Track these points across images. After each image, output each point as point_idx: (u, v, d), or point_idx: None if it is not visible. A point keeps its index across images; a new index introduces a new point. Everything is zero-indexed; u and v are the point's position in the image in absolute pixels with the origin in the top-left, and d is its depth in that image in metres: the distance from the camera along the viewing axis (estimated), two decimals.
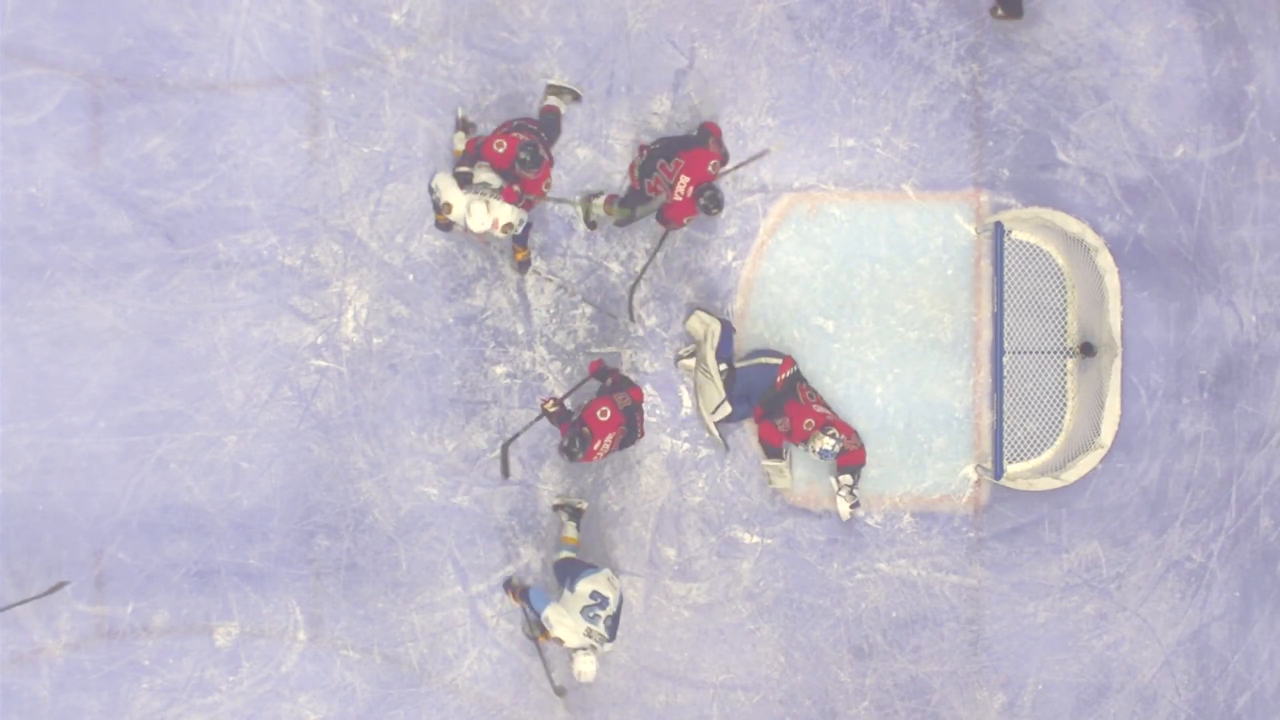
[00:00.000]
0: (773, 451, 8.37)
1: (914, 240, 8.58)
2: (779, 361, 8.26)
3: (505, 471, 8.19)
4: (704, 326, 8.23)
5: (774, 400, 8.24)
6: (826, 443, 8.06)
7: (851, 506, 8.36)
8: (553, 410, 7.77)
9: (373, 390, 8.35)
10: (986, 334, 8.56)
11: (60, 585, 8.10)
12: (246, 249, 8.30)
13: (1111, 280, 8.49)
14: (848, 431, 8.24)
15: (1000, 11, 8.47)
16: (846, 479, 8.32)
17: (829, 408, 8.27)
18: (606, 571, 7.78)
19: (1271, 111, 8.66)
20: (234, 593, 8.28)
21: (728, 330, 8.21)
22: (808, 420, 8.15)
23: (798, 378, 8.29)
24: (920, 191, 8.55)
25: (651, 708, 8.46)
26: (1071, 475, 8.51)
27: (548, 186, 7.81)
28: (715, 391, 8.14)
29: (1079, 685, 8.59)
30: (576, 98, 8.27)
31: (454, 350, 8.41)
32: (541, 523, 8.43)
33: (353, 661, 8.33)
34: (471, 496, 8.40)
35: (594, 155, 8.42)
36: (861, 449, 8.32)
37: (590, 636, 7.55)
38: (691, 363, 8.34)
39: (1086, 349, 8.55)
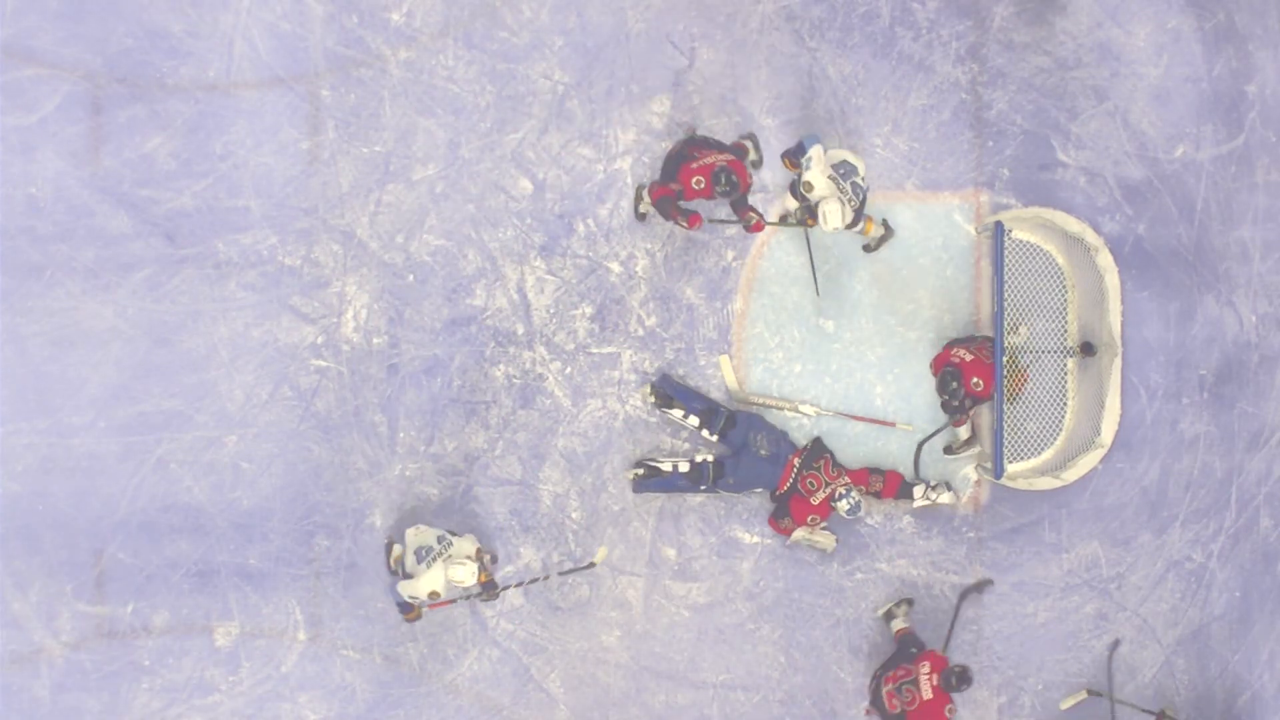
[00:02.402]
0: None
1: (914, 240, 8.58)
2: (780, 468, 8.22)
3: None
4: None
5: (781, 501, 8.28)
6: (844, 506, 8.07)
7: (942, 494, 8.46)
8: None
9: (373, 390, 8.35)
10: (986, 334, 8.55)
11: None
12: (246, 249, 8.30)
13: (1111, 280, 8.50)
14: (861, 479, 8.25)
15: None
16: (920, 490, 8.37)
17: (834, 477, 8.18)
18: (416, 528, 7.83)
19: (1271, 111, 8.66)
20: (234, 593, 8.28)
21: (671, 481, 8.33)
22: (812, 516, 8.17)
23: (805, 466, 8.19)
24: (920, 191, 8.55)
25: (651, 708, 8.45)
26: (1071, 475, 8.51)
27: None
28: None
29: (1079, 685, 8.58)
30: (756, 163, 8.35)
31: (454, 350, 8.42)
32: (542, 523, 8.43)
33: (353, 661, 8.33)
34: (471, 496, 8.40)
35: (594, 155, 8.43)
36: (886, 476, 8.30)
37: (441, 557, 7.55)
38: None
39: (1086, 349, 8.55)
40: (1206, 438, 8.64)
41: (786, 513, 8.22)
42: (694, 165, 7.77)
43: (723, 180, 7.66)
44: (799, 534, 8.34)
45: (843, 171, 7.81)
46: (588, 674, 8.45)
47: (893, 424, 8.52)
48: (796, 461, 8.17)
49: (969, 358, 8.10)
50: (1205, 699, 8.62)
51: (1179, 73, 8.60)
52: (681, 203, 7.89)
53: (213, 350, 8.28)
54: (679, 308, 8.49)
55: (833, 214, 7.76)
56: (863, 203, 7.92)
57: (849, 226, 7.91)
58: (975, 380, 8.06)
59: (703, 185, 7.73)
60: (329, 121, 8.32)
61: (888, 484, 8.28)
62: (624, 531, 8.46)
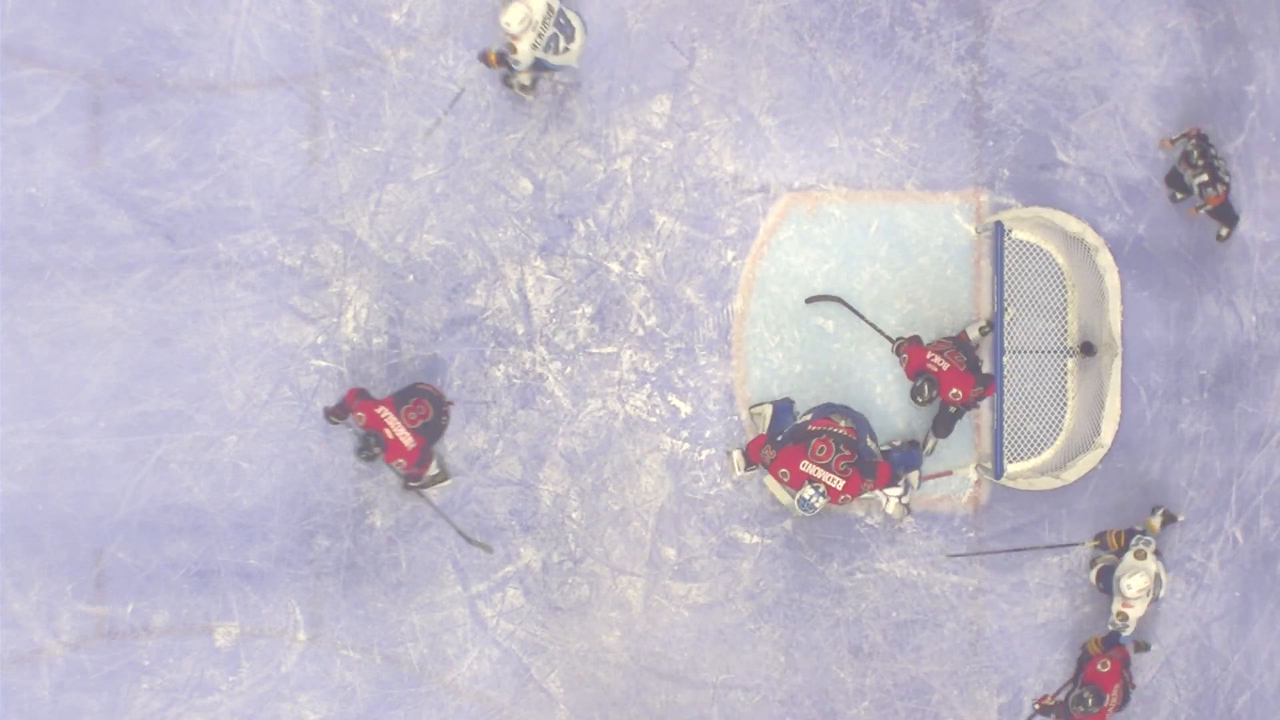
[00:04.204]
0: (749, 464, 8.11)
1: (914, 240, 8.58)
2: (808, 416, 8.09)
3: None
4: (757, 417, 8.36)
5: (789, 436, 7.87)
6: (806, 492, 7.64)
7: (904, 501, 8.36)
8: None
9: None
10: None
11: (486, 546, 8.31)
12: (246, 249, 8.30)
13: (1111, 280, 8.50)
14: (852, 489, 7.75)
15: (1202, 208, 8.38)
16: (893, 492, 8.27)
17: (829, 469, 7.73)
18: None
19: (1271, 111, 8.66)
20: (234, 593, 8.29)
21: (783, 407, 8.26)
22: (782, 471, 7.73)
23: (819, 434, 7.79)
24: (920, 191, 8.56)
25: (651, 708, 8.46)
26: (1071, 475, 8.51)
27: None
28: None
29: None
30: None
31: (454, 350, 8.42)
32: (542, 523, 8.44)
33: (353, 661, 8.33)
34: (471, 496, 8.41)
35: (594, 155, 8.44)
36: (879, 467, 7.99)
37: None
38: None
39: (1086, 349, 8.55)
40: (1206, 438, 8.64)
41: (777, 448, 7.74)
42: None
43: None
44: (740, 460, 8.27)
45: (560, 23, 7.58)
46: (588, 674, 8.45)
47: (950, 473, 8.53)
48: (828, 429, 7.78)
49: (945, 366, 7.98)
50: (1205, 699, 8.62)
51: (1179, 73, 8.60)
52: None
53: (213, 350, 8.29)
54: (679, 308, 8.49)
55: (523, 51, 7.52)
56: (558, 48, 7.70)
57: (533, 67, 7.71)
58: (954, 391, 7.96)
59: None
60: (329, 121, 8.32)
61: (880, 475, 7.90)
62: (624, 531, 8.46)
